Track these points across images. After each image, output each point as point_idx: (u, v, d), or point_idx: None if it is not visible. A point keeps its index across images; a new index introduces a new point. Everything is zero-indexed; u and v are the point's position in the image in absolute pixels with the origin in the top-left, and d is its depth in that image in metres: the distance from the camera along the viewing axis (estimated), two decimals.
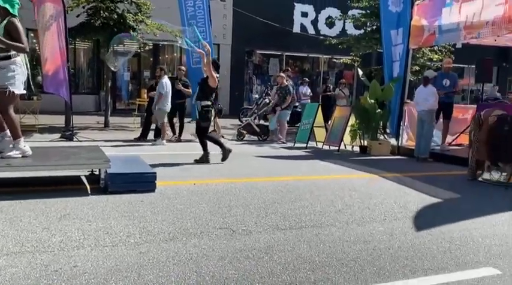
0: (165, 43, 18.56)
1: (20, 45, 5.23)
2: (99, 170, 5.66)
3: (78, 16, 12.81)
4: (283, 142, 11.51)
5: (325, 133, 11.13)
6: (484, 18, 8.13)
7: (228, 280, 3.12)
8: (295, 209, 4.97)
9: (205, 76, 7.91)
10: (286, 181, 6.60)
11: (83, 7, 12.81)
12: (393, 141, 10.48)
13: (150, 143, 10.33)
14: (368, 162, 8.79)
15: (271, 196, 5.54)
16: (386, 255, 3.72)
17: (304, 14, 21.62)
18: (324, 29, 21.63)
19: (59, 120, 12.27)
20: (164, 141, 10.38)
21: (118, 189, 5.27)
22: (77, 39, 16.07)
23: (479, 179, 7.21)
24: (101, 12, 12.50)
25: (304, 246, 3.85)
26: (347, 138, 10.51)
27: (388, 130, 11.54)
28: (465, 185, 6.95)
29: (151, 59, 20.14)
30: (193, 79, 11.70)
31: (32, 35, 16.17)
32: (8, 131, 5.44)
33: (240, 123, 14.04)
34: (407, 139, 10.59)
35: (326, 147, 10.74)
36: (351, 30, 20.09)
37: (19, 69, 5.35)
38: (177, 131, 11.36)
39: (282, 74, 12.54)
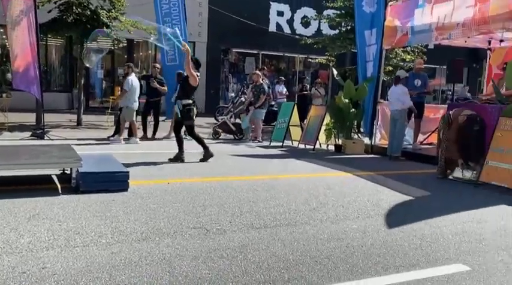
0: (140, 40, 18.31)
1: None
2: (71, 169, 5.53)
3: (49, 12, 12.52)
4: (259, 141, 11.52)
5: (300, 132, 11.19)
6: (455, 19, 8.31)
7: (202, 280, 3.09)
8: (270, 208, 4.98)
9: (185, 74, 7.88)
10: (262, 179, 6.61)
11: (55, 2, 12.52)
12: (367, 140, 10.62)
13: (124, 142, 10.17)
14: (342, 161, 8.88)
15: (246, 195, 5.53)
16: (359, 253, 3.76)
17: (280, 13, 21.69)
18: (299, 29, 21.75)
19: (29, 118, 11.97)
20: (137, 139, 10.25)
21: (90, 188, 5.18)
22: (49, 36, 15.72)
23: (450, 177, 7.37)
24: (74, 8, 12.25)
25: (279, 244, 3.86)
26: (322, 136, 10.59)
27: (362, 129, 11.68)
28: (436, 183, 7.09)
29: (125, 56, 19.83)
30: (168, 77, 11.61)
31: (2, 30, 15.73)
32: None
33: (215, 121, 13.99)
34: (380, 138, 10.74)
35: (302, 146, 10.80)
36: (326, 30, 20.29)
37: None
38: (152, 130, 11.23)
39: (257, 72, 12.53)
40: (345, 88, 10.47)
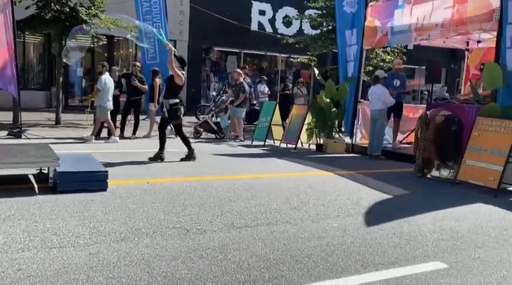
0: (121, 38, 18.10)
1: None
2: (48, 168, 5.44)
3: (27, 8, 12.28)
4: (241, 140, 11.50)
5: (282, 131, 11.21)
6: (434, 20, 8.42)
7: (181, 280, 3.07)
8: (251, 207, 4.97)
9: (170, 74, 7.85)
10: (243, 179, 6.60)
11: None
12: (348, 139, 10.69)
13: (103, 141, 10.03)
14: (324, 160, 8.93)
15: (227, 195, 5.51)
16: (340, 251, 3.78)
17: (262, 12, 21.70)
18: (281, 28, 21.79)
19: (6, 117, 11.71)
20: (117, 138, 10.11)
21: (67, 188, 5.09)
22: (27, 33, 15.42)
23: (428, 176, 7.48)
24: (52, 4, 12.03)
25: (259, 244, 3.85)
26: (304, 136, 10.63)
27: (343, 129, 11.76)
28: (415, 182, 7.18)
29: (105, 54, 19.59)
30: (149, 75, 11.50)
31: None
32: None
33: (197, 120, 13.92)
34: (361, 138, 10.83)
35: (283, 145, 10.82)
36: (307, 29, 20.36)
37: None
38: (132, 129, 11.11)
39: (238, 70, 12.50)
40: (326, 88, 10.53)
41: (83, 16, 12.22)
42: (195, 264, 3.35)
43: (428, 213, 5.12)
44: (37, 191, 5.16)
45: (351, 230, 4.36)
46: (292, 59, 22.14)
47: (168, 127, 8.28)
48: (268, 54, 22.70)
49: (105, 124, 10.32)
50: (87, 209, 4.54)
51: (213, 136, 11.89)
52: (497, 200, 5.90)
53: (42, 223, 4.05)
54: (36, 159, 5.50)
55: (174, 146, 8.09)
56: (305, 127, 10.58)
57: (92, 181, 5.27)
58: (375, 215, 4.99)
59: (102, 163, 6.01)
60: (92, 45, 14.60)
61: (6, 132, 10.08)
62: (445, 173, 7.34)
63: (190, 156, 7.80)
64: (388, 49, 15.28)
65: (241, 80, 11.74)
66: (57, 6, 12.02)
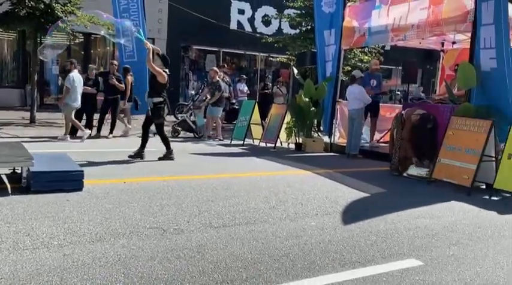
0: (98, 35, 17.82)
1: None
2: (21, 168, 5.31)
3: (1, 4, 12.00)
4: (220, 140, 11.46)
5: (262, 130, 11.21)
6: (410, 21, 8.55)
7: (157, 281, 3.03)
8: (230, 207, 4.95)
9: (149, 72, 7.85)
10: (222, 178, 6.57)
11: None
12: (326, 139, 10.76)
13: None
14: (302, 159, 8.96)
15: (205, 194, 5.48)
16: (317, 250, 3.79)
17: (241, 11, 21.65)
18: (260, 27, 21.79)
19: None
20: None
21: (42, 188, 4.98)
22: (0, 30, 15.02)
23: (404, 174, 7.58)
24: (26, 1, 11.74)
25: (237, 243, 3.84)
26: (283, 135, 10.66)
27: (321, 128, 11.83)
28: (391, 180, 7.28)
29: (82, 52, 19.27)
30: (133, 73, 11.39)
31: None
32: None
33: (175, 119, 13.79)
34: (339, 137, 10.92)
35: (263, 144, 10.82)
36: (286, 29, 20.41)
37: None
38: (109, 128, 10.96)
39: (214, 68, 12.43)
40: (305, 87, 10.58)
41: (58, 13, 11.97)
42: (172, 264, 3.31)
43: (404, 211, 5.20)
44: (10, 192, 5.03)
45: (329, 229, 4.39)
46: (271, 58, 22.17)
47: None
48: (247, 53, 22.68)
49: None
50: (62, 210, 4.45)
51: (191, 135, 11.81)
52: (471, 198, 6.02)
53: (14, 224, 3.95)
54: (9, 158, 5.36)
55: (153, 145, 8.01)
56: (284, 126, 10.61)
57: (67, 181, 5.17)
58: (353, 213, 5.03)
59: (79, 162, 5.92)
60: (68, 43, 14.31)
61: None
62: (421, 171, 7.44)
63: (168, 156, 7.74)
64: (366, 49, 15.43)
65: (217, 78, 11.67)
66: (31, 2, 11.75)
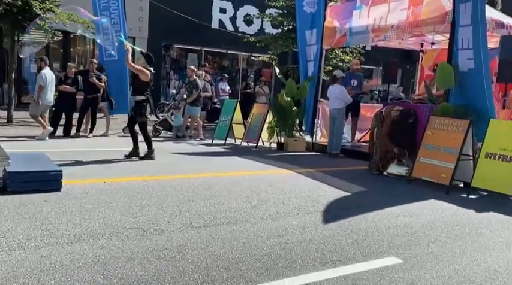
0: (77, 33, 17.53)
1: None
2: None
3: None
4: (201, 139, 11.40)
5: (243, 129, 11.20)
6: (390, 21, 8.64)
7: (137, 282, 3.00)
8: (211, 207, 4.93)
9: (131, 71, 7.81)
10: (203, 178, 6.54)
11: None
12: (308, 138, 10.81)
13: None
14: (284, 158, 8.98)
15: (186, 194, 5.44)
16: (298, 249, 3.80)
17: (223, 10, 21.58)
18: (242, 26, 21.75)
19: None
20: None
21: (18, 189, 4.88)
22: None
23: (385, 173, 7.66)
24: None
25: (218, 243, 3.82)
26: (265, 134, 10.66)
27: (303, 128, 11.88)
28: (372, 179, 7.34)
29: (61, 51, 18.95)
30: (107, 72, 11.24)
31: None
32: None
33: (156, 118, 13.68)
34: (321, 136, 10.97)
35: (244, 144, 10.81)
36: (268, 28, 20.41)
37: None
38: (89, 127, 10.81)
39: (191, 67, 12.35)
40: (287, 87, 10.60)
41: (36, 10, 11.74)
42: (152, 265, 3.28)
43: (384, 210, 5.25)
44: None
45: (310, 228, 4.40)
46: (253, 58, 22.15)
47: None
48: (229, 52, 22.61)
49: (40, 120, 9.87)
50: (39, 211, 4.37)
51: (172, 134, 11.72)
52: (450, 197, 6.12)
53: None
54: None
55: (132, 145, 7.91)
56: (266, 125, 10.61)
57: (44, 181, 5.08)
58: (334, 212, 5.06)
59: (58, 162, 5.82)
60: (47, 41, 14.03)
61: None
62: (401, 170, 7.52)
63: (149, 155, 7.68)
64: (347, 49, 15.54)
65: (195, 77, 11.59)
66: None
